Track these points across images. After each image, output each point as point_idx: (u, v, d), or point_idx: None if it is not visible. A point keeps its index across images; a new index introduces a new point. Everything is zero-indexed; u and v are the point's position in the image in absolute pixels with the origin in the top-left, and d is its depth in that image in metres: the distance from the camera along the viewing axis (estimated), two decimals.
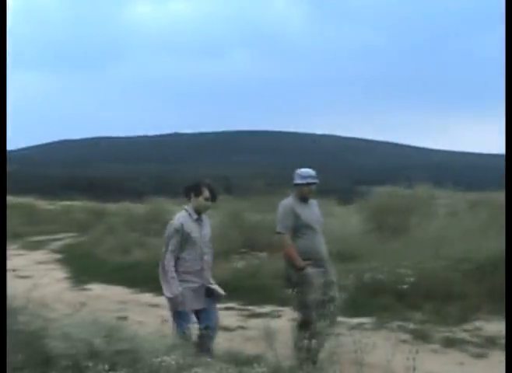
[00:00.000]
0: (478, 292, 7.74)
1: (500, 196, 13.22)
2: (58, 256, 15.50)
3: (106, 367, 2.99)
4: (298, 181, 5.57)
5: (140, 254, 12.43)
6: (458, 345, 6.17)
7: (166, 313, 4.78)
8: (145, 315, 7.68)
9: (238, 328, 7.08)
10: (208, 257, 4.80)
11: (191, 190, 4.78)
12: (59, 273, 12.46)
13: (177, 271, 4.60)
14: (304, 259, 5.31)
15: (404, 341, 6.53)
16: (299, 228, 5.41)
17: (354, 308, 7.88)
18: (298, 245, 5.37)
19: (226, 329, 7.02)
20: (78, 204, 27.33)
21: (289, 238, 5.37)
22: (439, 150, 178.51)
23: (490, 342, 6.44)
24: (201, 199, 4.72)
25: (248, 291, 9.12)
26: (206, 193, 4.72)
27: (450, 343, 6.34)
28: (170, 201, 16.90)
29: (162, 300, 5.12)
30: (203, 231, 4.78)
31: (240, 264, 10.10)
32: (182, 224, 4.67)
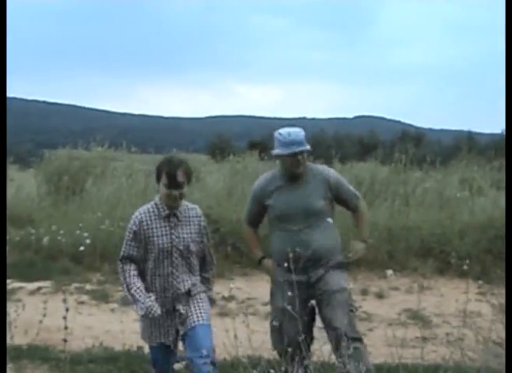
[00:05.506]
0: None
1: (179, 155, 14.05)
2: None
3: None
4: (277, 151, 3.57)
5: None
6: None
7: None
8: None
9: None
10: (176, 271, 3.31)
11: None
12: None
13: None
14: (277, 262, 3.65)
15: (82, 302, 6.68)
16: (270, 218, 3.76)
17: (33, 272, 7.87)
18: (271, 242, 3.78)
19: None
20: None
21: (248, 227, 3.89)
22: (124, 113, 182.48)
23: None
24: (161, 186, 3.26)
25: None
26: (164, 179, 3.22)
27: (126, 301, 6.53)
28: None
29: None
30: (176, 235, 3.29)
31: None
32: (141, 223, 3.28)
